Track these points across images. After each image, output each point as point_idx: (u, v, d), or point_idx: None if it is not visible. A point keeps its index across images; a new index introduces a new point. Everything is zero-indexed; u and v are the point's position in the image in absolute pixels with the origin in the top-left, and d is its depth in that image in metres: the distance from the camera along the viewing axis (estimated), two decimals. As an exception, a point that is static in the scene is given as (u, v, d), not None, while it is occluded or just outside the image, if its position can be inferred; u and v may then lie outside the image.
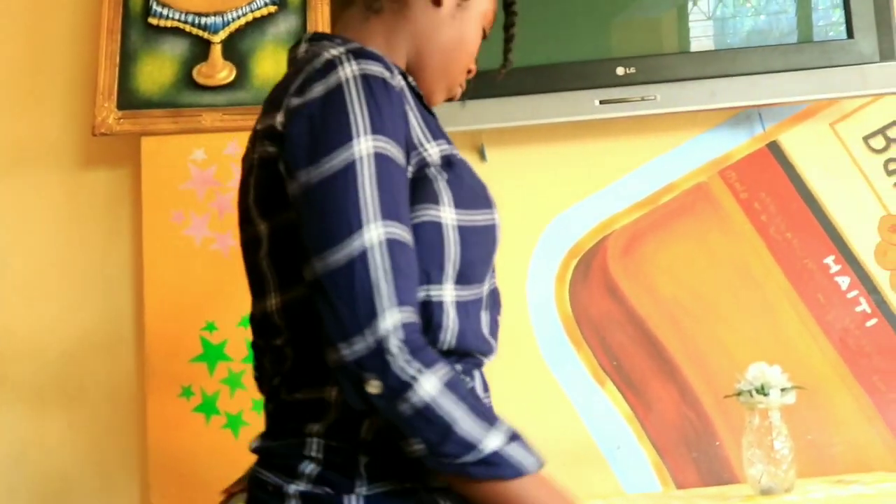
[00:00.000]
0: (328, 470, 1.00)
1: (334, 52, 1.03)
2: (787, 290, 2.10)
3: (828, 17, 2.06)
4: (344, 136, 0.97)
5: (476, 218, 1.08)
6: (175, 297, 2.02)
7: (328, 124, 0.99)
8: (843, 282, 2.10)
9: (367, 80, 1.01)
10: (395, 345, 0.91)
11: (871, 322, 2.09)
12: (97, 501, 2.04)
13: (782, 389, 1.73)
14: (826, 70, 1.98)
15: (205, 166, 2.06)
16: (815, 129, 2.15)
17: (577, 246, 2.10)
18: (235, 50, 2.08)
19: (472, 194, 1.09)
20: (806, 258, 2.11)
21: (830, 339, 2.08)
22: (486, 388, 1.11)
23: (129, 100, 2.05)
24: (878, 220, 2.12)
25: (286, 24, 2.09)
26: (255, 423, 1.97)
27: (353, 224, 0.94)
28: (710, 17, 2.09)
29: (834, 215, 2.12)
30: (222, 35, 2.08)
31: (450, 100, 1.24)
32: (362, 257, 0.93)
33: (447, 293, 1.03)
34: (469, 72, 1.23)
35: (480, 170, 2.13)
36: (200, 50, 2.08)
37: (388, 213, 0.96)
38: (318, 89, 1.01)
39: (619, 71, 1.99)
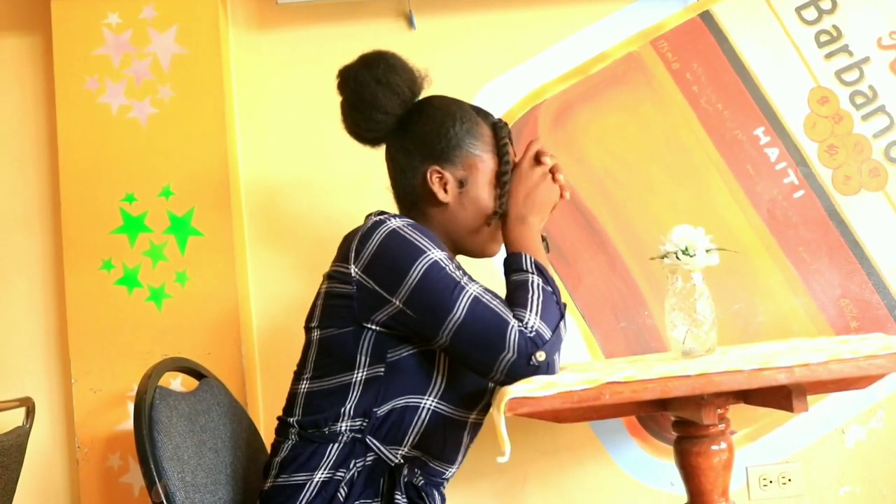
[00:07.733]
0: None
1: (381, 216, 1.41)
2: (716, 161, 2.09)
3: None
4: (416, 253, 1.33)
5: None
6: (91, 167, 1.96)
7: (399, 255, 1.34)
8: (773, 153, 2.10)
9: (412, 224, 1.38)
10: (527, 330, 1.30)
11: (799, 193, 2.10)
12: (17, 380, 2.00)
13: (707, 251, 1.72)
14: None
15: (120, 31, 1.97)
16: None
17: (507, 115, 2.07)
18: None
19: None
20: (736, 129, 2.10)
21: (758, 210, 2.09)
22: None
23: (35, -41, 1.95)
24: (808, 92, 2.12)
25: None
26: (178, 295, 1.94)
27: (455, 290, 1.31)
28: None
29: (765, 87, 2.11)
30: None
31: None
32: (476, 301, 1.31)
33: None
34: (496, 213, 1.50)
35: (408, 38, 2.11)
36: None
37: (471, 279, 1.35)
38: (373, 241, 1.36)
39: (551, -68, 1.93)
